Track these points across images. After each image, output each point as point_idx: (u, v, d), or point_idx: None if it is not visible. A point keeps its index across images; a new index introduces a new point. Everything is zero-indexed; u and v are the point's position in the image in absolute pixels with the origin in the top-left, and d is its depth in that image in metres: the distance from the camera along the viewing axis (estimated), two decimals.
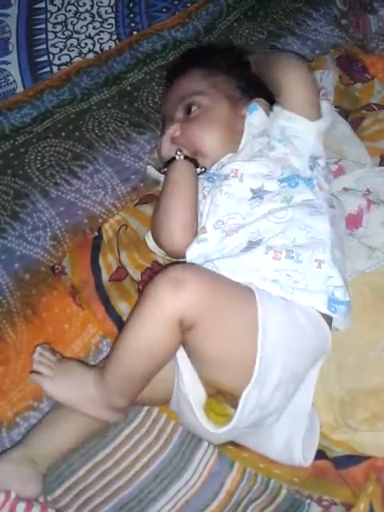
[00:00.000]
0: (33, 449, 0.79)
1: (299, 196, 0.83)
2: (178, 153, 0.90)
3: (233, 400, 0.73)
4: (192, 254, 0.84)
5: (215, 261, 0.78)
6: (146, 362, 0.72)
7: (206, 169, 0.91)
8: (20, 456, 0.79)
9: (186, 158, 0.90)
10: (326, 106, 0.93)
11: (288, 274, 0.76)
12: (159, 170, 0.97)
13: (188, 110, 0.95)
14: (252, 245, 0.80)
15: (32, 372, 0.79)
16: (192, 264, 0.81)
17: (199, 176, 0.91)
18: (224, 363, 0.73)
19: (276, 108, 0.92)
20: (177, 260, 0.91)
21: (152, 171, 1.02)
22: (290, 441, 0.76)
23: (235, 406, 0.72)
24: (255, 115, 0.93)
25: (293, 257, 0.77)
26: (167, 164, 0.91)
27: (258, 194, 0.84)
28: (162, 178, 0.98)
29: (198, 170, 0.90)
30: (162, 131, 0.99)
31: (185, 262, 0.83)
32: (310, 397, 0.77)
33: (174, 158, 0.90)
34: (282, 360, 0.71)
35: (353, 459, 0.78)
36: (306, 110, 0.89)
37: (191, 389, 0.74)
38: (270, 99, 0.96)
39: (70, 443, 0.81)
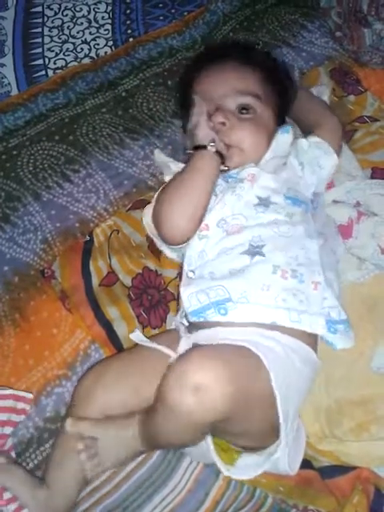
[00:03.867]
0: (55, 494, 0.78)
1: (300, 217, 0.85)
2: (212, 144, 0.86)
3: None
4: (192, 251, 0.84)
5: (224, 282, 0.78)
6: (179, 442, 0.75)
7: (228, 168, 0.89)
8: (44, 501, 0.77)
9: (216, 151, 0.86)
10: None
11: (294, 292, 0.78)
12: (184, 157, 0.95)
13: (241, 109, 0.92)
14: (253, 250, 0.80)
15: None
16: (198, 348, 0.74)
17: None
18: (247, 432, 0.74)
19: (302, 140, 0.94)
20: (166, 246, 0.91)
21: (160, 156, 1.00)
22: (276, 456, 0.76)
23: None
24: (285, 137, 0.94)
25: (297, 276, 0.79)
26: (196, 149, 0.87)
27: (263, 203, 0.85)
28: (170, 162, 0.96)
29: (222, 167, 0.87)
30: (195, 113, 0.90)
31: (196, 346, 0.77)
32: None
33: (205, 146, 0.86)
34: (293, 407, 0.74)
35: (339, 469, 0.79)
36: (338, 143, 0.97)
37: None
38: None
39: (85, 480, 0.80)
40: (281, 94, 0.98)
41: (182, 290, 0.81)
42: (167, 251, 0.93)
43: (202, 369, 0.66)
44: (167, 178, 0.94)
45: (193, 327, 0.82)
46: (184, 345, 0.79)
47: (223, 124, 0.89)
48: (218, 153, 0.86)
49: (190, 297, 0.79)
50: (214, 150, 0.86)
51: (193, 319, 0.79)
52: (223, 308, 0.77)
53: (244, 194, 0.86)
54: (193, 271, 0.83)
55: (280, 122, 0.97)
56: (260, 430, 0.74)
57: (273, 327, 0.76)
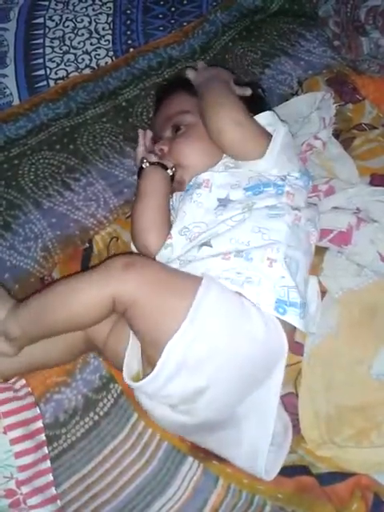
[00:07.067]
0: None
1: (261, 202, 0.85)
2: (144, 161, 0.93)
3: None
4: (162, 259, 0.86)
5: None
6: (66, 320, 0.77)
7: (173, 167, 0.93)
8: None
9: (152, 164, 0.93)
10: (269, 119, 0.92)
11: (238, 271, 0.77)
12: None
13: (176, 129, 0.97)
14: (203, 244, 0.82)
15: None
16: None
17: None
18: (155, 341, 0.73)
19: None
20: None
21: None
22: (256, 450, 0.76)
23: None
24: None
25: (242, 256, 0.78)
26: (138, 173, 0.94)
27: (222, 203, 0.87)
28: None
29: (169, 171, 0.92)
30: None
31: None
32: (273, 400, 0.76)
33: (142, 168, 0.93)
34: (217, 343, 0.72)
35: (337, 476, 0.78)
36: (249, 152, 0.88)
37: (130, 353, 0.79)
38: (259, 109, 0.96)
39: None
40: None
41: None
42: None
43: (139, 257, 0.80)
44: None
45: None
46: None
47: (162, 151, 0.96)
48: (156, 164, 0.93)
49: None
50: (148, 164, 0.93)
51: None
52: None
53: (203, 200, 0.88)
54: None
55: None
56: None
57: None
